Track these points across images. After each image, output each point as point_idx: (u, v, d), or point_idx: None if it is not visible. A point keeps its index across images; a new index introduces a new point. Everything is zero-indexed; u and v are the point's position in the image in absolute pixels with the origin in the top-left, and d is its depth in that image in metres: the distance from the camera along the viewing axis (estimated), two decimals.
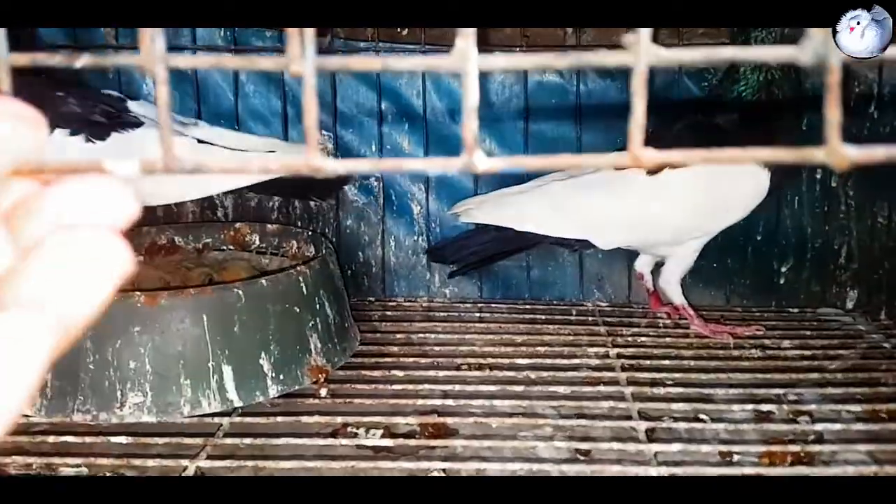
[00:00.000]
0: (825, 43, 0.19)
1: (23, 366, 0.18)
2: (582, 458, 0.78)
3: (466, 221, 1.11)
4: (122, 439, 0.77)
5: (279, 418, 0.82)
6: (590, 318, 1.16)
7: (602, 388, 0.92)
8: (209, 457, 0.74)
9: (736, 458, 0.77)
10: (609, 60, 0.21)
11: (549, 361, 0.99)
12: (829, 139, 0.20)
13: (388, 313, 1.17)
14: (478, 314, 1.17)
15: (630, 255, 1.18)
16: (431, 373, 0.94)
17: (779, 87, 1.00)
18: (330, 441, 0.79)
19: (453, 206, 1.14)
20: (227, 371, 0.84)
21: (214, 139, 1.02)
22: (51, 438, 0.77)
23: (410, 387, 0.90)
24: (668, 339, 1.07)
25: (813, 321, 1.17)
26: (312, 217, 1.24)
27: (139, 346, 0.82)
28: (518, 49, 1.19)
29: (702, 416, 0.85)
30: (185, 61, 0.22)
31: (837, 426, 0.81)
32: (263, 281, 0.89)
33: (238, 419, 0.82)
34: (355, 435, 0.80)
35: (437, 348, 1.04)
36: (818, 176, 1.19)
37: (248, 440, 0.77)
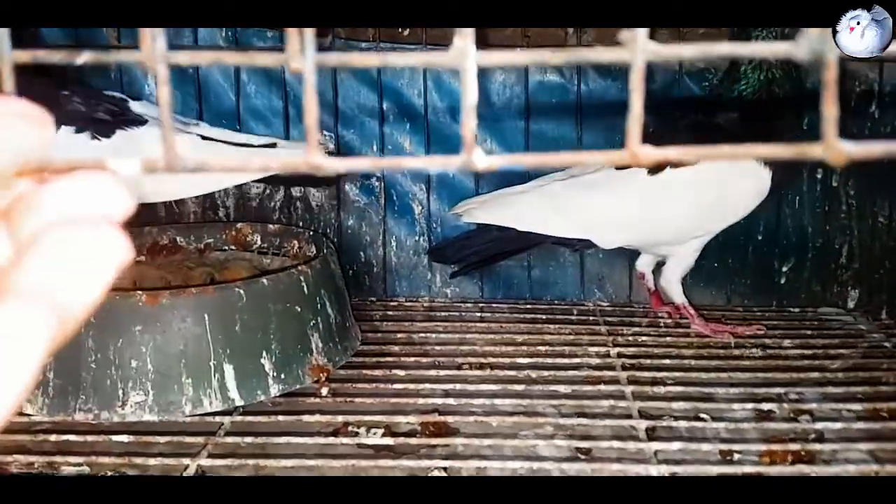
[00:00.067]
0: (821, 39, 0.20)
1: (20, 358, 0.18)
2: (582, 456, 0.78)
3: (468, 221, 1.11)
4: (124, 438, 0.77)
5: (280, 417, 0.82)
6: (591, 318, 1.16)
7: (603, 387, 0.92)
8: (210, 455, 0.74)
9: (736, 456, 0.77)
10: (605, 56, 0.21)
11: (549, 361, 0.99)
12: (826, 135, 0.20)
13: (390, 313, 1.17)
14: (479, 314, 1.18)
15: (631, 254, 1.18)
16: (432, 372, 0.95)
17: (780, 86, 1.00)
18: (331, 440, 0.79)
19: (454, 206, 1.14)
20: (229, 370, 0.85)
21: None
22: (52, 437, 0.77)
23: (411, 386, 0.90)
24: (668, 339, 1.07)
25: (814, 321, 1.17)
26: (314, 217, 1.24)
27: (141, 345, 0.82)
28: (519, 50, 1.19)
29: (702, 415, 0.85)
30: (185, 58, 0.22)
31: (838, 425, 0.81)
32: (265, 280, 0.89)
33: (239, 418, 0.83)
34: (356, 434, 0.80)
35: (438, 348, 1.04)
36: (819, 175, 1.19)
37: (249, 439, 0.78)
